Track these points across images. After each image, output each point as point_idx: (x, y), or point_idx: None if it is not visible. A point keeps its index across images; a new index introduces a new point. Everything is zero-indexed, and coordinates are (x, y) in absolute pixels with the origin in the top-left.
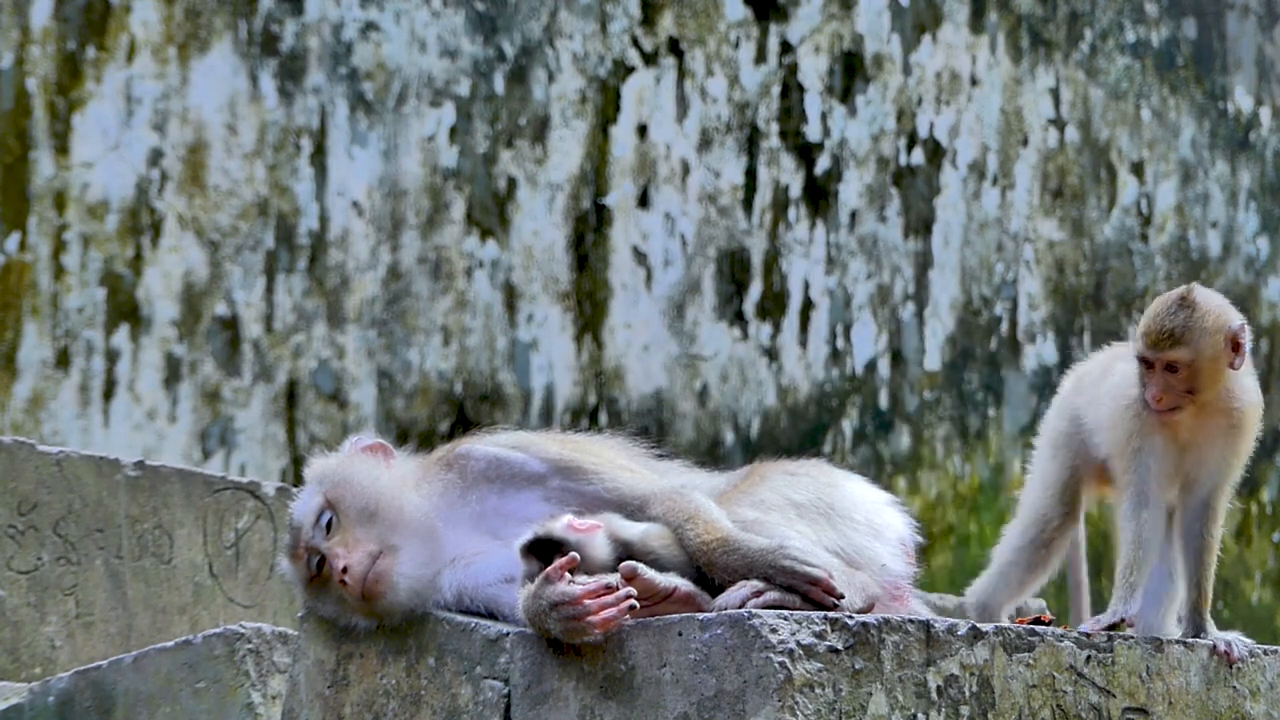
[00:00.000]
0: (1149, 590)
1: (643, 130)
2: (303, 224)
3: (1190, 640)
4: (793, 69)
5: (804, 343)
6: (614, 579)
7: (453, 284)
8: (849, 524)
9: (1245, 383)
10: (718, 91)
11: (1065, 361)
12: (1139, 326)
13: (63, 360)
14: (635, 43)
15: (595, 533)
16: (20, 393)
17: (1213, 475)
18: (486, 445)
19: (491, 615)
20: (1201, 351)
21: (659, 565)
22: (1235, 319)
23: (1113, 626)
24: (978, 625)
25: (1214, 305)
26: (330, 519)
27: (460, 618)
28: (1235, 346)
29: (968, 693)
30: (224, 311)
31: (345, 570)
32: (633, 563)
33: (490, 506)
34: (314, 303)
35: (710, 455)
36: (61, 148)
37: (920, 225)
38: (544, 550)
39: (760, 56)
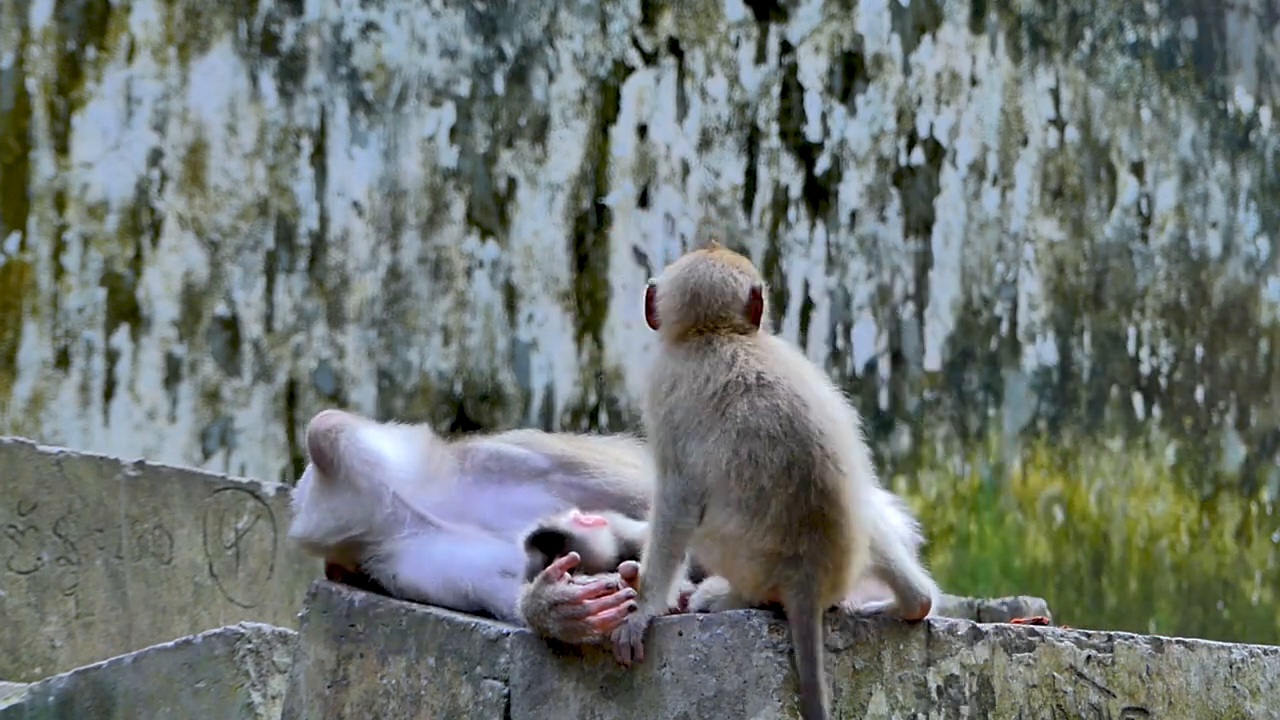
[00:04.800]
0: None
1: (643, 130)
2: (303, 224)
3: (1190, 640)
4: (793, 69)
5: (804, 343)
6: (614, 579)
7: (453, 284)
8: None
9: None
10: (718, 91)
11: (1065, 361)
12: None
13: (63, 360)
14: (635, 43)
15: (600, 529)
16: (20, 393)
17: None
18: (491, 441)
19: (485, 610)
20: None
21: None
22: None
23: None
24: (978, 625)
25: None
26: None
27: (460, 618)
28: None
29: (968, 693)
30: (224, 311)
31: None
32: (633, 563)
33: (490, 497)
34: (314, 303)
35: None
36: (61, 148)
37: (920, 225)
38: (548, 544)
39: (760, 56)
